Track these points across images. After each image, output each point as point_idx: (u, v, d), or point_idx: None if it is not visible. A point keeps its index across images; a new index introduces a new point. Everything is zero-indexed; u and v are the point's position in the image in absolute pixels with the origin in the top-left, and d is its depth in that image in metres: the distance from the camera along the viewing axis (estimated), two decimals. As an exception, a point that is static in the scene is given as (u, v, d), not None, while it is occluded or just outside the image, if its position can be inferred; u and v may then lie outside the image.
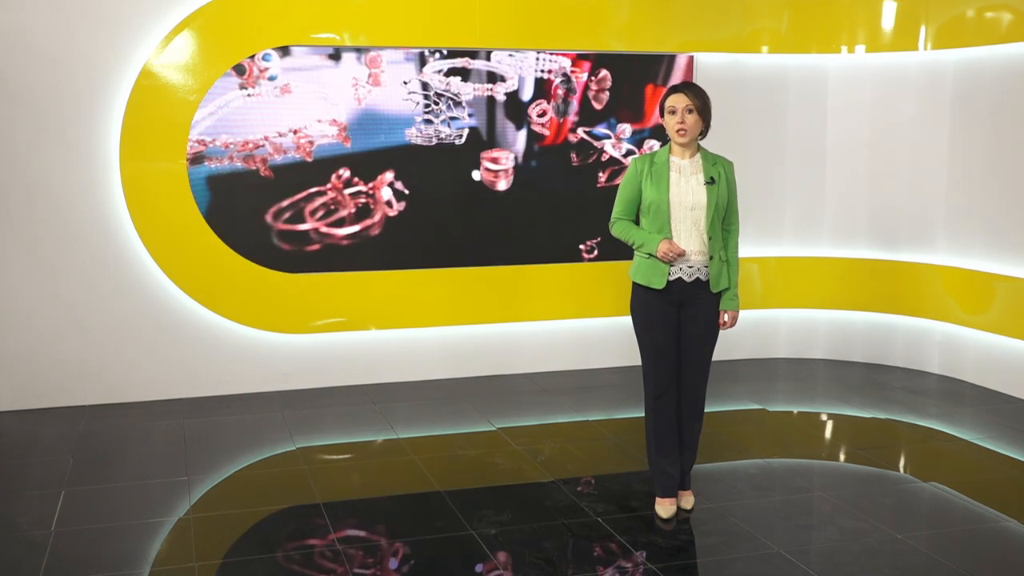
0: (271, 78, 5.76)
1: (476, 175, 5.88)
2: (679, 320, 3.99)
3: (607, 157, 6.43)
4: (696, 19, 6.49)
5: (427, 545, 3.82)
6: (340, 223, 5.94)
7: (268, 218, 5.86)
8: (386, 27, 5.92)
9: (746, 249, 6.58)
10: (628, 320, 4.16)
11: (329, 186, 5.87)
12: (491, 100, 6.15)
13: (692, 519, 4.07)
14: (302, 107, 5.84)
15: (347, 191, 5.88)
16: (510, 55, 6.11)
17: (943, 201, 6.40)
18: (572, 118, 6.26)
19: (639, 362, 4.15)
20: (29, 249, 5.57)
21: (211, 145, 5.70)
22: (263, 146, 5.76)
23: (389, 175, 5.95)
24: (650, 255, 3.92)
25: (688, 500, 4.16)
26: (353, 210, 5.94)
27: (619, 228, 4.04)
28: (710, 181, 3.91)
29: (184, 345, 5.87)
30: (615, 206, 4.05)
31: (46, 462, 4.80)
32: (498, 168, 6.15)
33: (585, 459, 4.87)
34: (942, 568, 3.61)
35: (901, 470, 4.82)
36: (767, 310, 6.91)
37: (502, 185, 6.22)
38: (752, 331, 6.78)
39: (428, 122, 6.02)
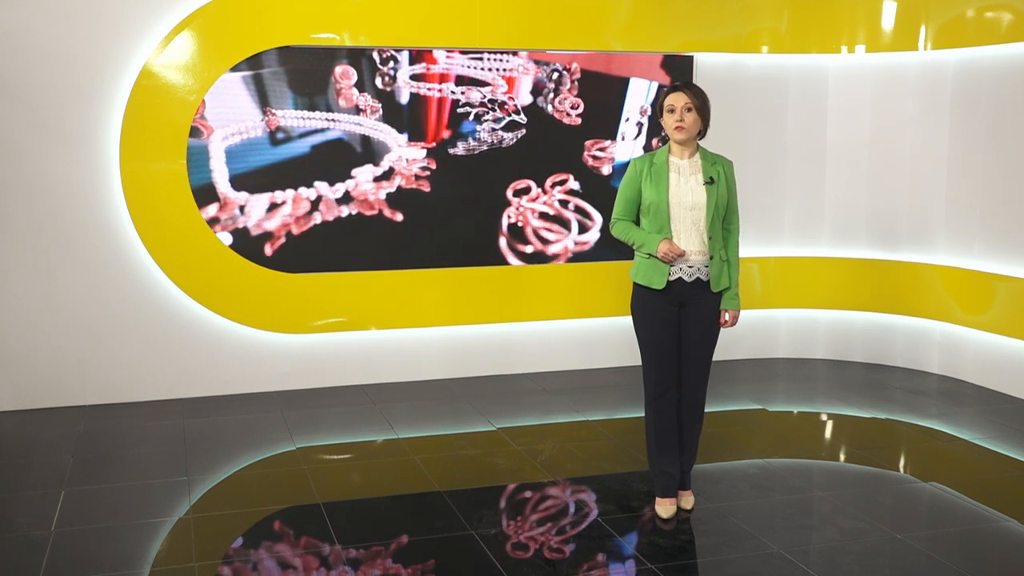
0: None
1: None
2: (679, 320, 3.99)
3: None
4: (696, 19, 6.48)
5: (427, 545, 3.83)
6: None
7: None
8: (387, 27, 5.92)
9: (746, 249, 6.58)
10: (628, 320, 4.17)
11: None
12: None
13: (692, 519, 4.07)
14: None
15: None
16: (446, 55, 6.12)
17: (943, 201, 6.40)
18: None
19: (639, 362, 4.15)
20: (29, 249, 5.57)
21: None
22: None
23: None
24: (650, 255, 3.92)
25: (688, 500, 4.16)
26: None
27: (619, 229, 4.04)
28: (709, 181, 3.91)
29: (184, 345, 5.87)
30: (615, 207, 4.05)
31: (46, 462, 4.80)
32: (603, 155, 6.41)
33: (585, 459, 4.86)
34: (942, 568, 3.61)
35: (901, 470, 4.82)
36: (767, 310, 6.91)
37: (606, 170, 6.45)
38: (752, 331, 6.78)
39: (493, 129, 6.12)
